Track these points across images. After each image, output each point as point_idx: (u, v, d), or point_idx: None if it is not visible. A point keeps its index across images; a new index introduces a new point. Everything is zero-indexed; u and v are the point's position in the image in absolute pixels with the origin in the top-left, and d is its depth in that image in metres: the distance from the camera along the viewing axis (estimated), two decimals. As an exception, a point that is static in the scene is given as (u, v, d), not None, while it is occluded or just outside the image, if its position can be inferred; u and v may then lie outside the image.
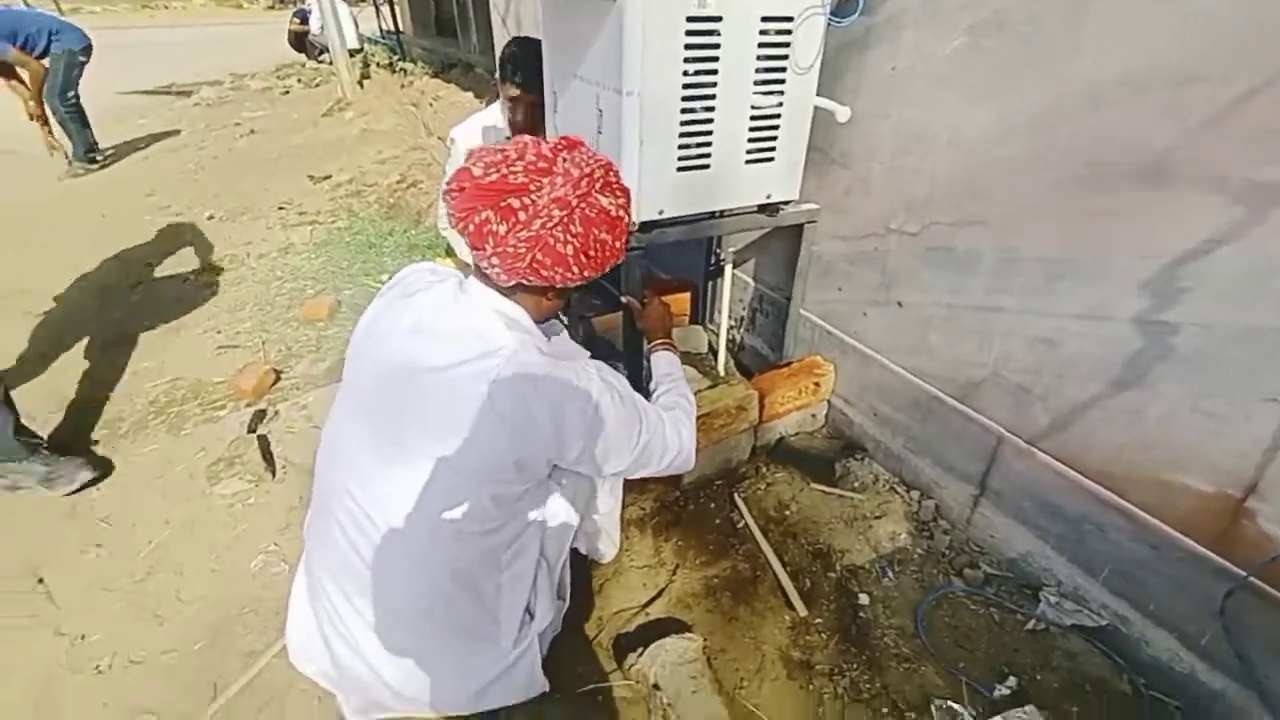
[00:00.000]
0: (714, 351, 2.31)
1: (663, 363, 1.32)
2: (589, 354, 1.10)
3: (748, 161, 1.51)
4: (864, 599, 1.42)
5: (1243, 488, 1.03)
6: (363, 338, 1.07)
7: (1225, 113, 0.94)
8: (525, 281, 0.96)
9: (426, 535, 0.96)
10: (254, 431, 1.97)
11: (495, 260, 0.93)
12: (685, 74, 1.34)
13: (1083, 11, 1.07)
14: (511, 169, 0.91)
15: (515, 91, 2.07)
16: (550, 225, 0.90)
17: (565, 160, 0.93)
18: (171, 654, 1.38)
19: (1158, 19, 0.99)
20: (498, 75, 2.09)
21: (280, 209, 3.77)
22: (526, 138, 0.96)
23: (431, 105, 5.84)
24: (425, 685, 1.04)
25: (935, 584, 1.45)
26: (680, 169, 1.43)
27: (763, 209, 1.63)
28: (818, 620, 1.39)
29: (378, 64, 7.76)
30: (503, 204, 0.90)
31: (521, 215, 0.90)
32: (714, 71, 1.37)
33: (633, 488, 1.61)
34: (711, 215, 1.56)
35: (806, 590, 1.45)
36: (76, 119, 4.41)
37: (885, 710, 1.23)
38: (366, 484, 1.00)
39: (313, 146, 4.88)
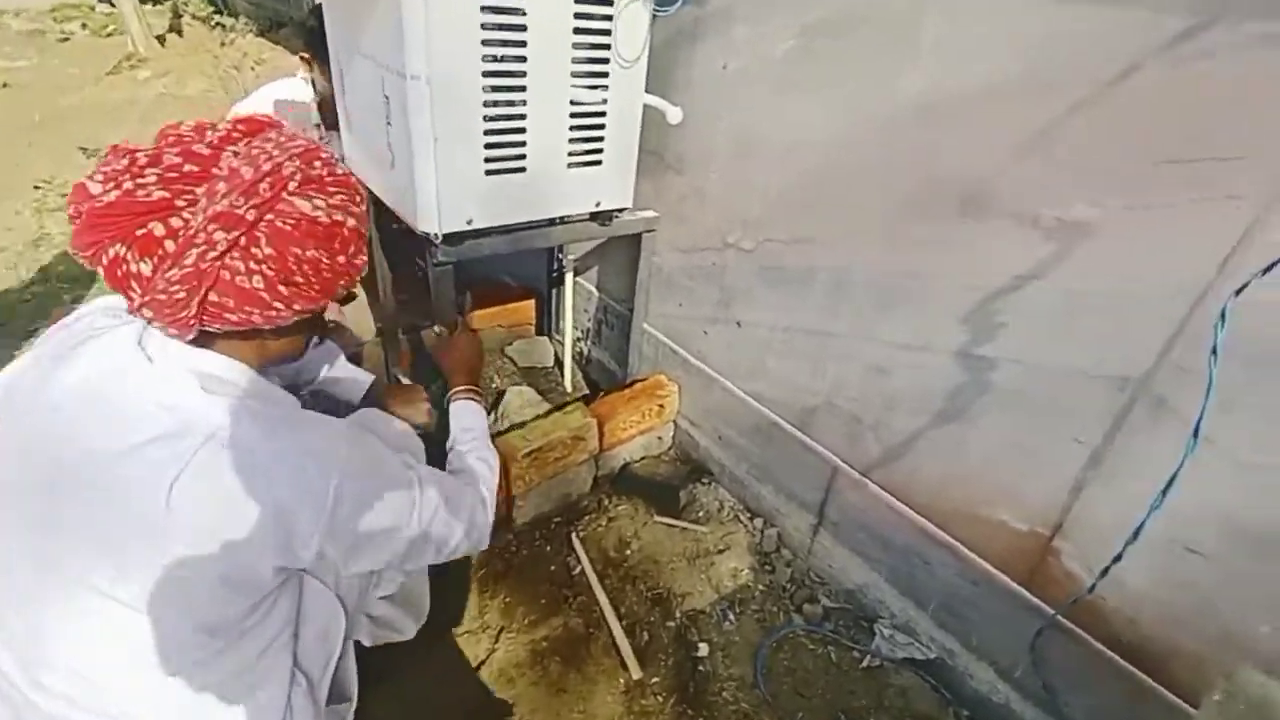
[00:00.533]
0: (560, 365, 2.13)
1: (465, 414, 1.11)
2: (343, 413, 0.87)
3: (571, 165, 1.33)
4: (704, 649, 1.32)
5: (1050, 526, 1.02)
6: (16, 413, 0.75)
7: (1035, 142, 0.89)
8: (213, 329, 0.72)
9: (111, 695, 0.69)
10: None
11: (149, 312, 0.68)
12: (486, 59, 1.13)
13: (915, 23, 0.99)
14: (141, 180, 0.66)
15: (316, 70, 1.74)
16: (216, 254, 0.66)
17: (236, 155, 0.69)
18: None
19: (983, 36, 0.93)
20: (303, 47, 1.74)
21: (37, 188, 3.06)
22: (185, 126, 0.71)
23: (254, 69, 5.09)
24: None
25: (776, 623, 1.38)
26: (490, 172, 1.22)
27: (594, 217, 1.46)
28: (654, 680, 1.26)
29: (193, 15, 6.68)
30: (138, 233, 0.65)
31: (169, 245, 0.65)
32: (522, 59, 1.17)
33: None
34: (532, 225, 1.36)
35: (644, 645, 1.32)
36: None
37: (723, 774, 1.13)
38: (18, 632, 0.70)
39: (91, 110, 4.04)
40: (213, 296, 0.68)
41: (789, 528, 1.53)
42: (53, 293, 2.33)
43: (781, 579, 1.48)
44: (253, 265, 0.69)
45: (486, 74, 1.14)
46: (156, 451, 0.68)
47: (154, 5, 6.66)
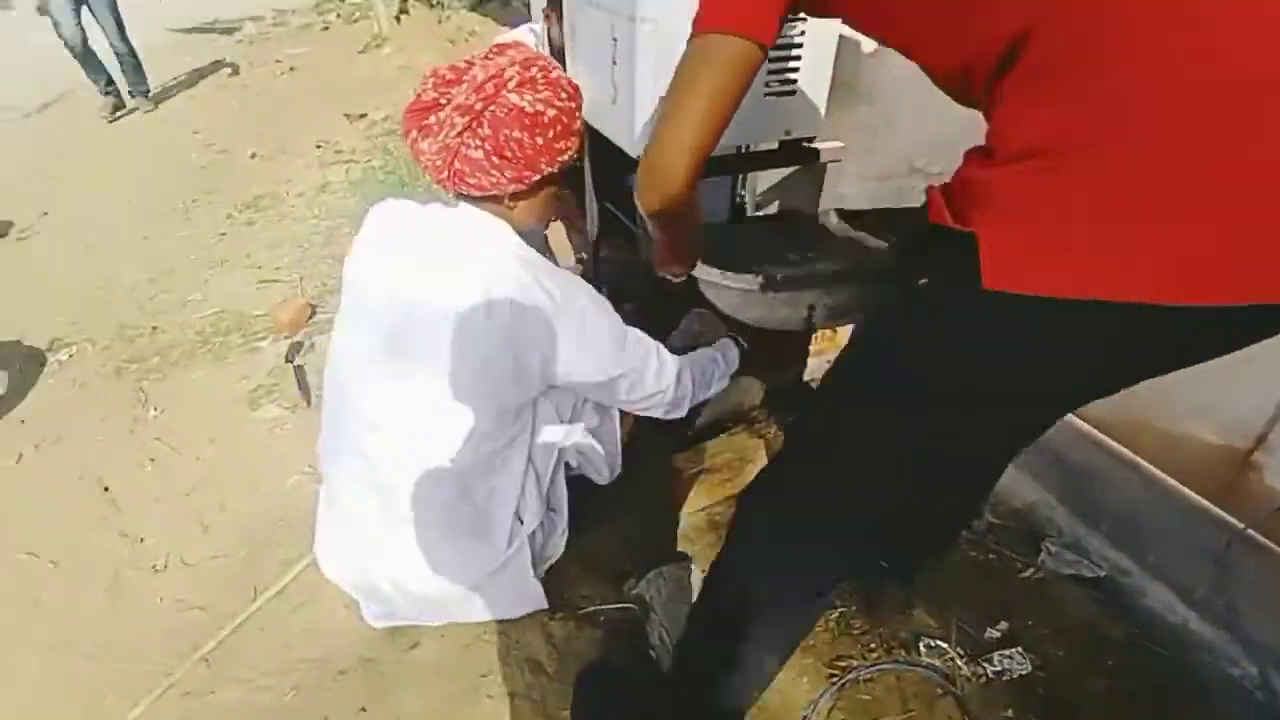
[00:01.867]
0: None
1: (728, 349, 1.36)
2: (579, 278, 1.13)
3: (766, 94, 1.46)
4: (863, 540, 1.45)
5: (1252, 439, 1.00)
6: (363, 260, 1.13)
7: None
8: (467, 193, 1.00)
9: (426, 443, 1.05)
10: (290, 362, 2.08)
11: (429, 176, 0.99)
12: (701, 2, 1.29)
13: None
14: (424, 88, 0.97)
15: (552, 21, 2.02)
16: (455, 133, 0.93)
17: (479, 67, 0.96)
18: (217, 559, 1.51)
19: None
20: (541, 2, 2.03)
21: (318, 147, 3.83)
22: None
23: (468, 40, 5.73)
24: (429, 584, 1.14)
25: (937, 529, 1.46)
26: (696, 104, 1.40)
27: (783, 145, 1.58)
28: (815, 558, 1.42)
29: (416, -2, 7.62)
30: (422, 123, 0.95)
31: (435, 129, 0.94)
32: (731, -1, 1.31)
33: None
34: (727, 155, 1.52)
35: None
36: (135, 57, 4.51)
37: (873, 645, 1.27)
38: (374, 397, 1.08)
39: (350, 84, 4.88)
40: (457, 164, 0.97)
41: (957, 448, 1.57)
42: (335, 225, 2.96)
43: (945, 493, 1.54)
44: (477, 141, 0.95)
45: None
46: (464, 278, 0.99)
47: (388, -9, 7.69)
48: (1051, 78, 0.53)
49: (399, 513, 1.11)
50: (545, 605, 1.26)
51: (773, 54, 1.41)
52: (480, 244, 1.02)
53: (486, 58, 0.99)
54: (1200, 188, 0.48)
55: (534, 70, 0.97)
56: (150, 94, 4.70)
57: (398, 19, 6.28)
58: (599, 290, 1.15)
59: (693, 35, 0.77)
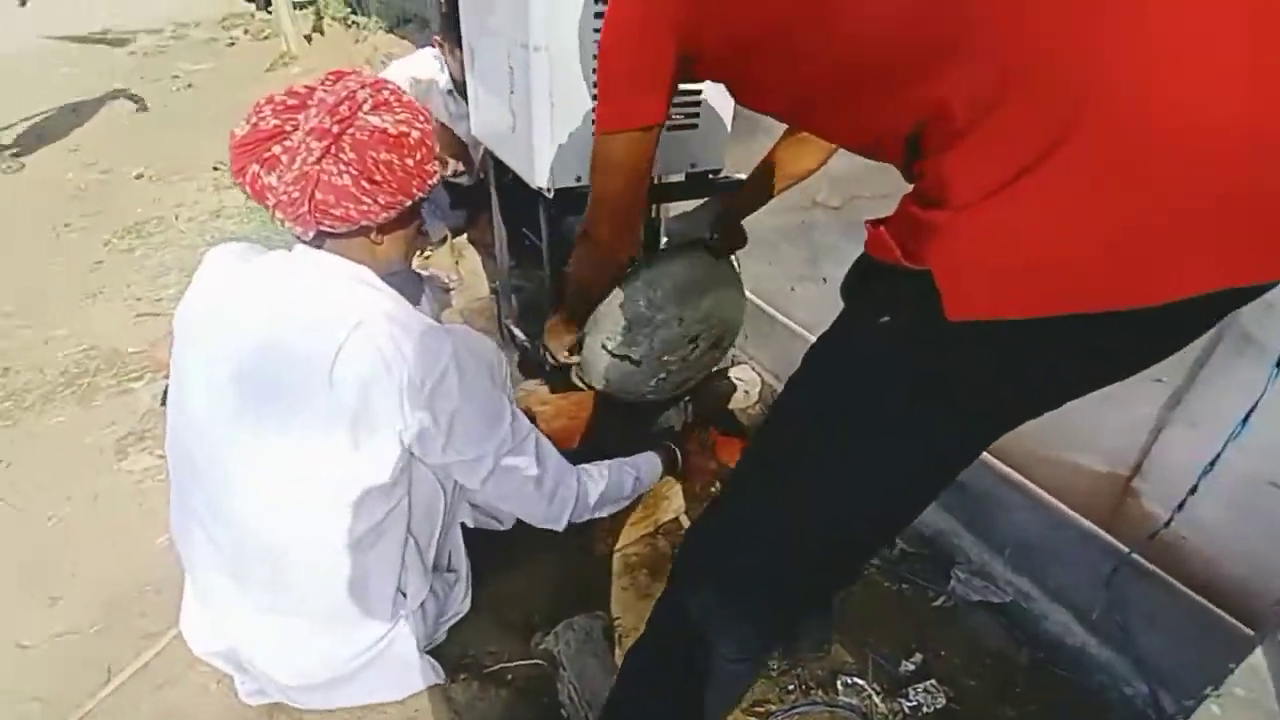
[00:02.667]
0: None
1: (644, 464, 1.31)
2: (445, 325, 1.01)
3: (669, 128, 1.45)
4: (779, 575, 1.42)
5: (1130, 467, 1.04)
6: (202, 315, 0.98)
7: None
8: (329, 229, 0.90)
9: (282, 522, 0.93)
10: (165, 405, 1.89)
11: (280, 214, 0.88)
12: (598, 30, 1.27)
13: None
14: (261, 115, 0.87)
15: (448, 50, 1.96)
16: (314, 159, 0.84)
17: (322, 92, 0.88)
18: (64, 636, 1.32)
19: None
20: (438, 30, 1.97)
21: (215, 169, 3.58)
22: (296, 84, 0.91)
23: (384, 63, 5.57)
24: (297, 675, 1.01)
25: (851, 559, 1.46)
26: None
27: (689, 179, 1.58)
28: (732, 596, 1.39)
29: (331, 16, 7.37)
30: (265, 155, 0.85)
31: (284, 159, 0.85)
32: (631, 30, 1.30)
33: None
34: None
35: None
36: None
37: (791, 687, 1.23)
38: (221, 472, 0.95)
39: (253, 103, 4.64)
40: (318, 195, 0.86)
41: (869, 476, 1.59)
42: (231, 256, 2.76)
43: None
44: (341, 167, 0.87)
45: (598, 44, 1.28)
46: (314, 337, 0.88)
47: (300, 10, 7.41)
48: (988, 129, 0.56)
49: (255, 599, 0.98)
50: (438, 680, 1.16)
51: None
52: (338, 300, 0.90)
53: (324, 83, 0.91)
54: (1150, 198, 0.51)
55: (385, 93, 0.91)
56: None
57: (309, 38, 6.05)
58: (505, 330, 1.07)
59: (595, 135, 0.90)
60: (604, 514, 1.23)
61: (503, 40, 1.34)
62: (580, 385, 1.44)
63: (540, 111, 1.29)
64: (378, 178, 0.88)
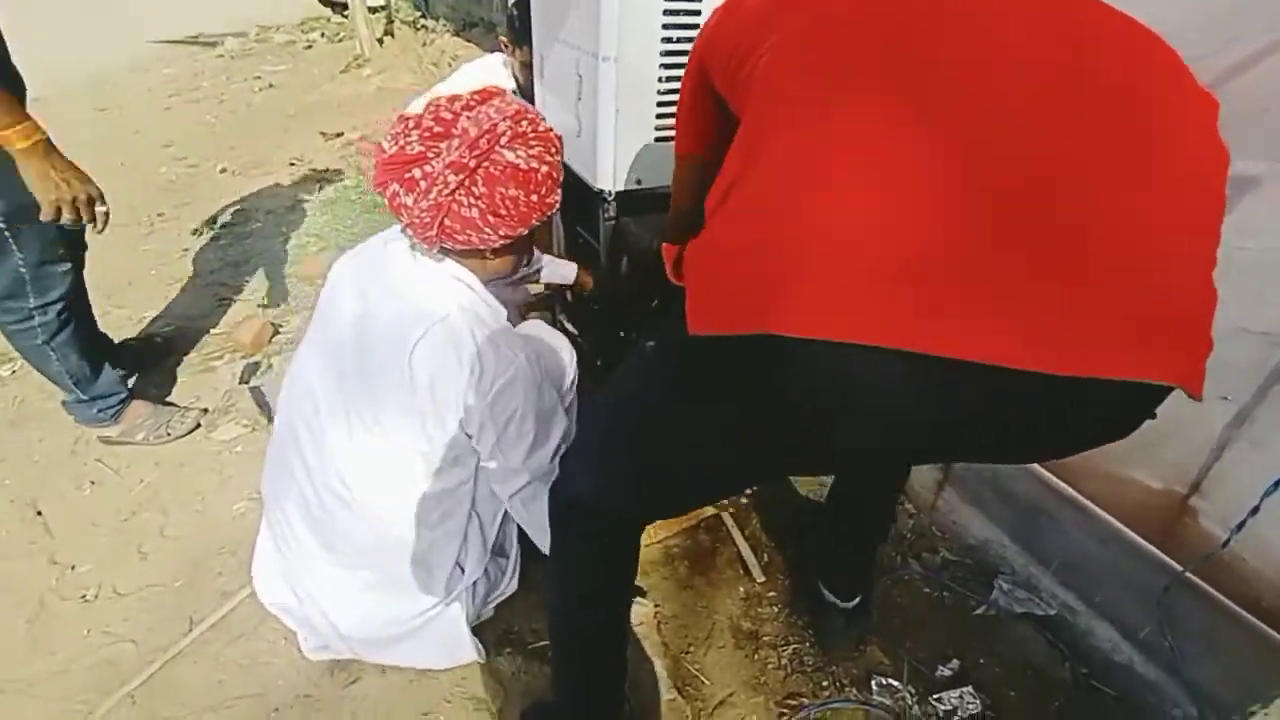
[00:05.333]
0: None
1: None
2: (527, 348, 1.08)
3: (658, 140, 1.48)
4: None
5: (1189, 485, 1.02)
6: (331, 291, 1.10)
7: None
8: (451, 247, 0.98)
9: (364, 488, 1.01)
10: (245, 383, 2.03)
11: (410, 231, 0.95)
12: (664, 41, 1.32)
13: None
14: (408, 139, 0.92)
15: (516, 54, 2.04)
16: (448, 191, 0.90)
17: (466, 119, 0.93)
18: (152, 588, 1.45)
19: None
20: (504, 34, 2.05)
21: (291, 165, 3.80)
22: (442, 97, 0.97)
23: (450, 65, 5.78)
24: (357, 626, 1.10)
25: (893, 565, 1.47)
26: (659, 139, 1.42)
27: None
28: (771, 593, 1.41)
29: (401, 20, 7.68)
30: (405, 176, 0.91)
31: (422, 184, 0.91)
32: (694, 39, 1.34)
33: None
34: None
35: (764, 564, 1.47)
36: None
37: (826, 684, 1.25)
38: (319, 437, 1.05)
39: (328, 103, 4.88)
40: (447, 222, 0.93)
41: (914, 483, 1.58)
42: (302, 244, 2.93)
43: (903, 529, 1.55)
44: (471, 200, 0.93)
45: (664, 53, 1.33)
46: (410, 327, 0.97)
47: (373, 14, 7.74)
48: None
49: (333, 553, 1.07)
50: (478, 659, 1.22)
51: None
52: (433, 294, 1.00)
53: (469, 107, 0.96)
54: (841, 226, 0.54)
55: (524, 125, 0.95)
56: None
57: (380, 41, 6.32)
58: (559, 325, 1.15)
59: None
60: None
61: (573, 50, 1.41)
62: None
63: (606, 118, 1.35)
64: (502, 212, 0.94)
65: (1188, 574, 1.02)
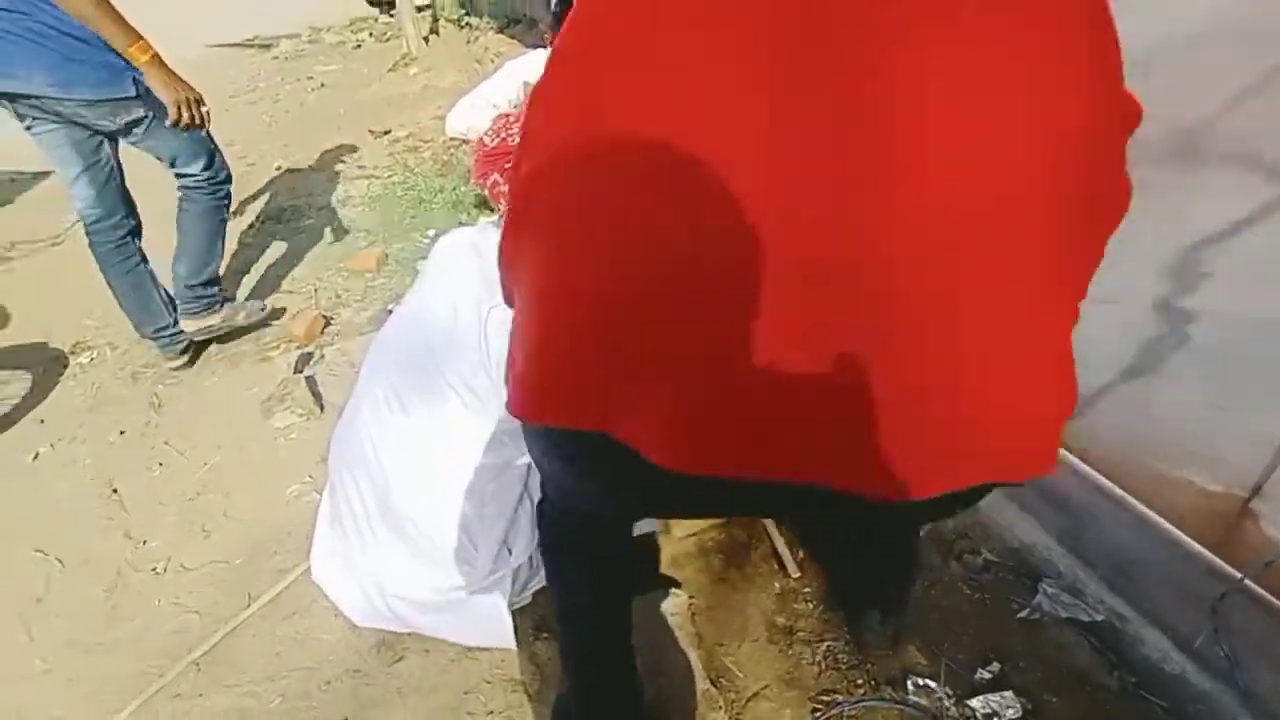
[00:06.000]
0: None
1: None
2: None
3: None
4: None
5: (1249, 488, 0.98)
6: (433, 268, 1.23)
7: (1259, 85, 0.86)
8: None
9: (428, 454, 1.07)
10: (299, 372, 2.13)
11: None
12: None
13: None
14: (510, 132, 0.97)
15: None
16: None
17: None
18: (216, 564, 1.54)
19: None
20: (548, 29, 2.09)
21: (342, 162, 3.93)
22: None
23: (493, 62, 5.86)
24: (403, 585, 1.15)
25: (933, 565, 1.44)
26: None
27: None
28: (806, 589, 1.41)
29: (446, 18, 7.82)
30: (506, 165, 0.97)
31: None
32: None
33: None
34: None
35: (801, 560, 1.47)
36: None
37: (860, 681, 1.25)
38: (391, 401, 1.13)
39: (376, 101, 5.02)
40: None
41: (955, 482, 1.55)
42: (353, 239, 3.03)
43: (944, 527, 1.52)
44: None
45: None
46: (470, 308, 1.05)
47: (419, 12, 7.90)
48: None
49: (391, 512, 1.13)
50: (511, 645, 1.25)
51: None
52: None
53: None
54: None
55: None
56: None
57: (426, 39, 6.46)
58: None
59: None
60: None
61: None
62: None
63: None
64: None
65: (1246, 581, 0.98)
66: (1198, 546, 1.06)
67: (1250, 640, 1.01)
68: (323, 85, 5.53)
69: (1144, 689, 1.18)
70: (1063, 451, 1.26)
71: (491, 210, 2.97)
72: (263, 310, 2.31)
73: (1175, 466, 1.08)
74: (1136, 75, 1.02)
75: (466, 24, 7.41)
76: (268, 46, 7.23)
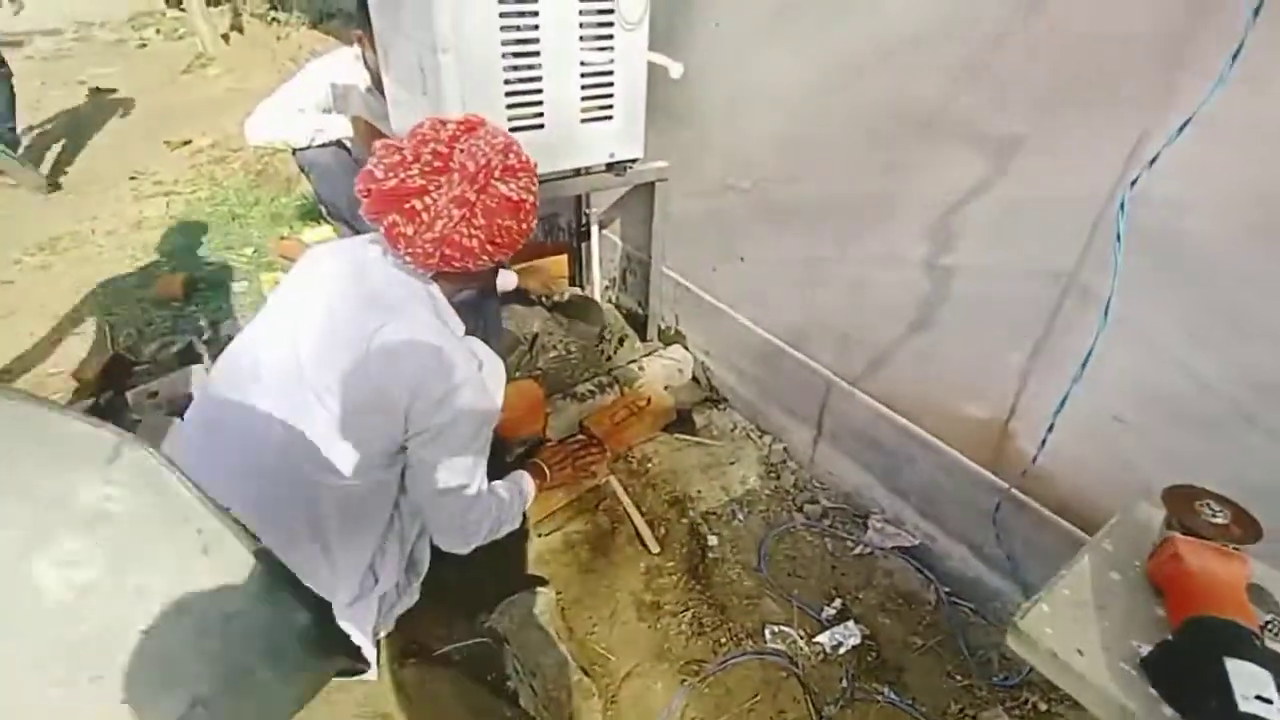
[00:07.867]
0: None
1: (523, 481, 1.34)
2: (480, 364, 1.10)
3: (584, 120, 1.51)
4: (714, 540, 1.51)
5: (1006, 412, 1.16)
6: (305, 271, 1.11)
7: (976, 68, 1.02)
8: (443, 269, 1.02)
9: (290, 465, 1.00)
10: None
11: (408, 258, 0.99)
12: (505, 30, 1.31)
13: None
14: (409, 172, 0.95)
15: (367, 46, 1.95)
16: (453, 224, 0.95)
17: (462, 152, 0.96)
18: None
19: (925, -22, 1.05)
20: (358, 25, 1.95)
21: (133, 179, 3.45)
22: (424, 126, 0.98)
23: (308, 59, 5.41)
24: None
25: (779, 521, 1.56)
26: (512, 129, 1.41)
27: (610, 168, 1.63)
28: (669, 563, 1.47)
29: (250, 13, 7.08)
30: (405, 207, 0.95)
31: (424, 216, 0.95)
32: (535, 27, 1.34)
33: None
34: (555, 176, 1.55)
35: (661, 536, 1.53)
36: None
37: (724, 640, 1.33)
38: (266, 405, 1.02)
39: (171, 108, 4.45)
40: (447, 251, 0.98)
41: (794, 441, 1.69)
42: (154, 265, 2.68)
43: (786, 484, 1.65)
44: (473, 231, 0.97)
45: (505, 43, 1.32)
46: (370, 323, 0.98)
47: (216, 7, 7.09)
48: None
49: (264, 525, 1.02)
50: (368, 674, 1.18)
51: (586, 83, 1.46)
52: (401, 299, 1.02)
53: (457, 138, 0.97)
54: None
55: (512, 158, 1.00)
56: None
57: (226, 37, 5.82)
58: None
59: None
60: (498, 537, 1.24)
61: (413, 42, 1.37)
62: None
63: (452, 111, 1.32)
64: (498, 240, 1.00)
65: (1013, 490, 1.16)
66: (976, 466, 1.24)
67: (1022, 539, 1.20)
68: (99, 90, 4.80)
69: (955, 597, 1.36)
70: (872, 401, 1.42)
71: (321, 221, 2.75)
72: None
73: (956, 402, 1.25)
74: (881, 69, 1.16)
75: (274, 20, 6.76)
76: (17, 44, 6.13)
